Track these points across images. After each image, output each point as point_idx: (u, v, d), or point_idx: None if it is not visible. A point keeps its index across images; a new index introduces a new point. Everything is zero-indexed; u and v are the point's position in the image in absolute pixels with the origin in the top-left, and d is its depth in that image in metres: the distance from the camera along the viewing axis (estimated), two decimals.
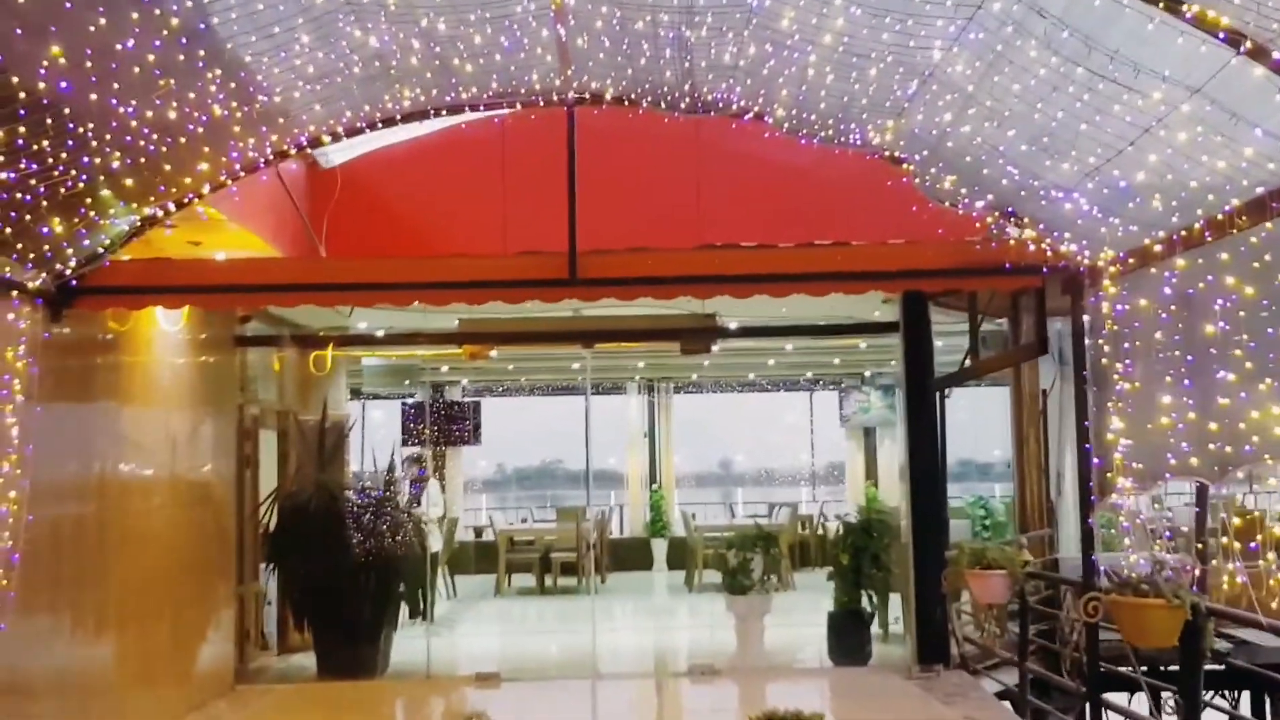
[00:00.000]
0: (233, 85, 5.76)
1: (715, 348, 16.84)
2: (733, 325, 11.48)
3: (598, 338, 11.01)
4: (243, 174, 7.17)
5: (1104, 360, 6.79)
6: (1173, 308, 5.98)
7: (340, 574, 10.84)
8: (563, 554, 17.56)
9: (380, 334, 11.55)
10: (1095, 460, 7.15)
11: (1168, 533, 6.48)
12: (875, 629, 11.44)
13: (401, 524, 11.20)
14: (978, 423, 14.43)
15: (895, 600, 11.86)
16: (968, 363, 11.87)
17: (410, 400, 22.29)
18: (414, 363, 14.07)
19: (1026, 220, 6.77)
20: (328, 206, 10.19)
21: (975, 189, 6.62)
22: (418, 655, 11.62)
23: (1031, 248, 7.28)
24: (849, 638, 10.93)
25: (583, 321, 11.13)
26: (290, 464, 12.37)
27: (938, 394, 11.03)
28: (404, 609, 11.61)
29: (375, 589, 10.88)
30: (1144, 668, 7.58)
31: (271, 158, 7.22)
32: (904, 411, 10.80)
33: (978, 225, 7.58)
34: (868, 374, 22.07)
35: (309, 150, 8.21)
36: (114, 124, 5.51)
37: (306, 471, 11.53)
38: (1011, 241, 7.36)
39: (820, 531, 21.05)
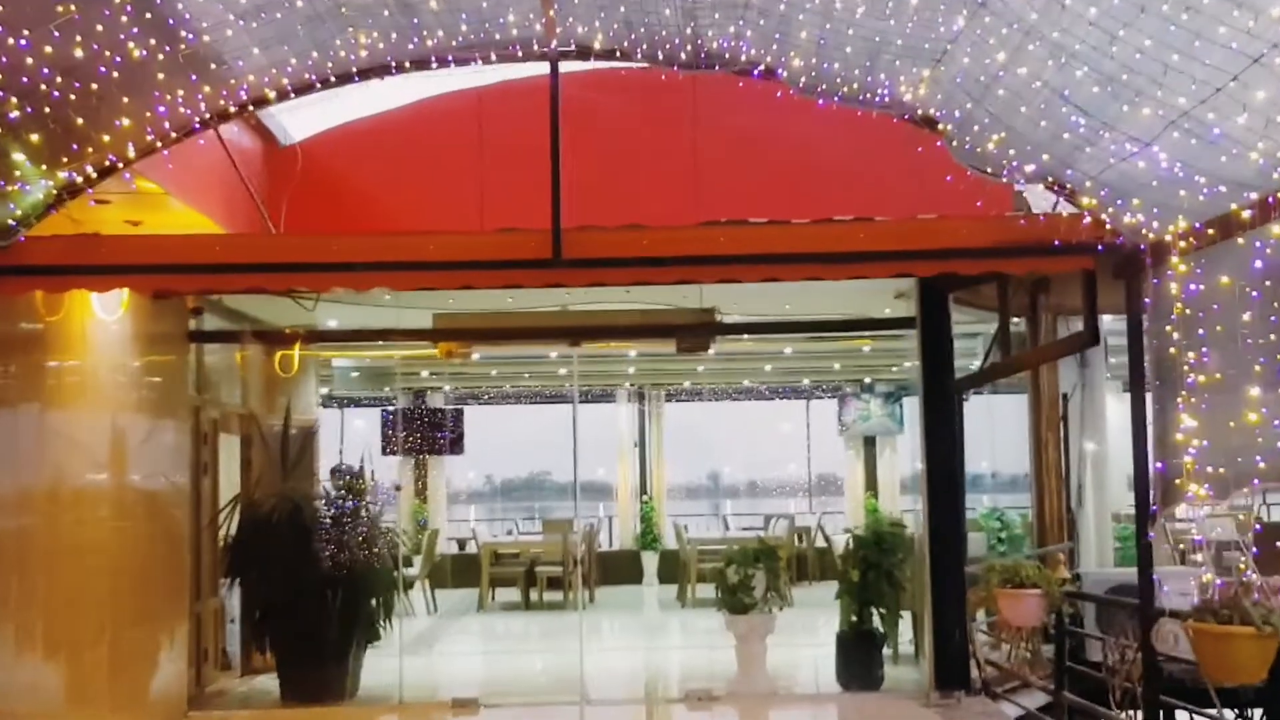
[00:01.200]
0: (148, 16, 4.82)
1: (714, 349, 15.93)
2: (733, 321, 10.56)
3: (586, 335, 10.07)
4: (175, 136, 6.24)
5: (1171, 350, 5.87)
6: (1266, 284, 5.07)
7: (304, 590, 9.90)
8: (549, 568, 16.62)
9: (348, 330, 10.58)
10: (1158, 465, 6.22)
11: (1255, 548, 5.52)
12: (885, 650, 10.50)
13: (372, 536, 10.24)
14: (990, 431, 13.48)
15: (905, 619, 10.96)
16: (984, 364, 11.00)
17: (391, 407, 21.37)
18: (389, 365, 13.11)
19: (1088, 184, 5.81)
20: (287, 187, 9.23)
21: (1027, 149, 5.69)
22: (391, 677, 10.66)
23: (1087, 220, 6.37)
24: (859, 661, 10.00)
25: (569, 317, 10.21)
26: (254, 472, 11.42)
27: (958, 398, 10.13)
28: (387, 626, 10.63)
29: (342, 606, 9.93)
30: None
31: (209, 117, 6.28)
32: (921, 416, 9.88)
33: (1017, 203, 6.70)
34: (868, 381, 21.18)
35: (254, 111, 7.24)
36: (3, 60, 4.57)
37: (269, 480, 10.59)
38: (1063, 214, 6.44)
39: (822, 544, 20.17)
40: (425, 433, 20.95)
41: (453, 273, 6.89)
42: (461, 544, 21.13)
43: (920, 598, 10.26)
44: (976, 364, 10.86)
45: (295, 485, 10.41)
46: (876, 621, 10.11)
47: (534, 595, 16.77)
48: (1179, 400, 5.84)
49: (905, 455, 21.73)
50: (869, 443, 21.69)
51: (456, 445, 21.22)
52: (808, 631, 12.63)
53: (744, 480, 30.11)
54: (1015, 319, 12.43)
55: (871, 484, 21.56)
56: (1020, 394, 13.46)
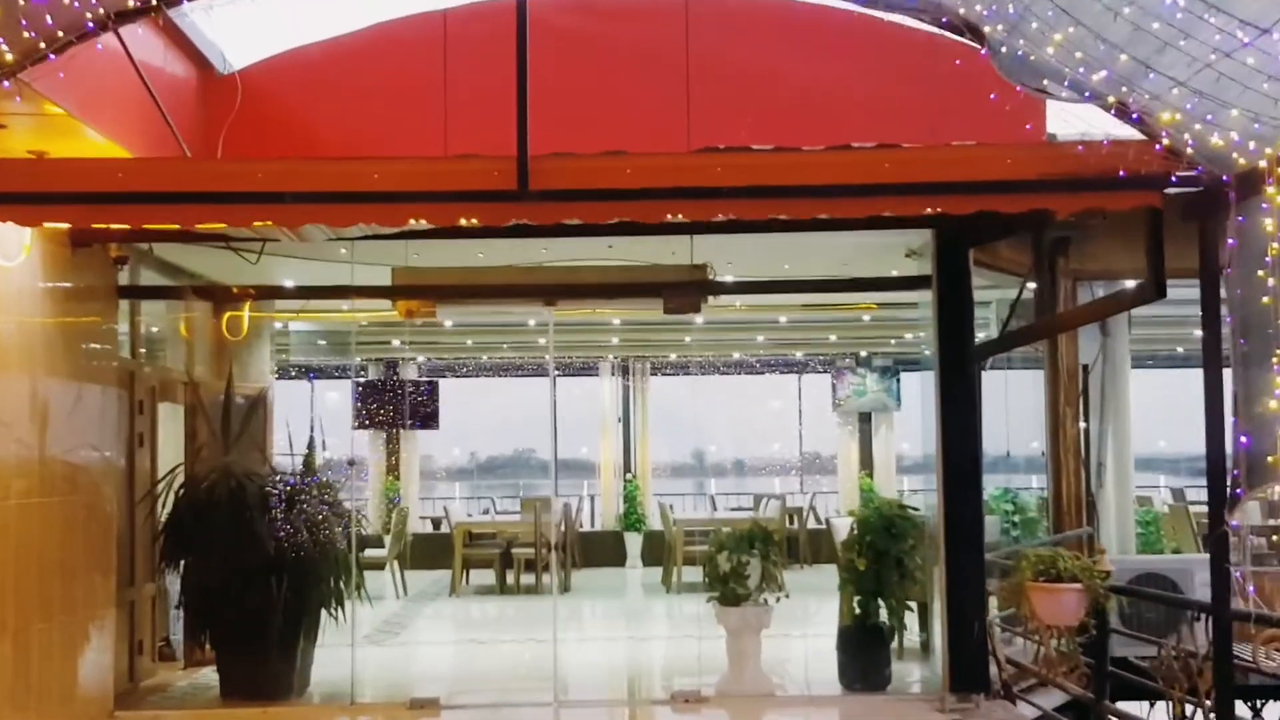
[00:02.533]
0: None
1: (705, 313, 14.84)
2: (728, 281, 9.53)
3: (563, 294, 9.00)
4: (64, 38, 5.14)
5: (1264, 300, 4.84)
6: None
7: (246, 576, 8.85)
8: (526, 549, 15.59)
9: (298, 287, 9.50)
10: (1243, 440, 5.19)
11: None
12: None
13: (324, 517, 9.20)
14: (1000, 408, 12.45)
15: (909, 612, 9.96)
16: (1004, 330, 9.99)
17: (361, 379, 20.32)
18: (349, 328, 12.06)
19: (1174, 93, 4.72)
20: (226, 119, 8.13)
21: (1099, 49, 4.62)
22: (348, 671, 9.65)
23: (1159, 147, 5.33)
24: (865, 658, 9.00)
25: (545, 274, 9.16)
26: (198, 445, 10.34)
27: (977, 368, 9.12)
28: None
29: (289, 595, 8.88)
30: None
31: (105, 17, 5.18)
32: (938, 387, 8.86)
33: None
34: (863, 354, 20.17)
35: (164, 10, 6.13)
36: None
37: (213, 454, 9.53)
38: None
39: (814, 525, 19.21)
40: (397, 406, 19.92)
41: (398, 206, 5.84)
42: (436, 523, 20.14)
43: (931, 589, 9.27)
44: (985, 335, 9.83)
45: (238, 460, 9.32)
46: (885, 616, 9.09)
47: (510, 578, 15.80)
48: (1274, 361, 4.81)
49: (902, 433, 20.77)
50: (864, 419, 20.71)
51: (430, 419, 20.19)
52: (802, 621, 11.68)
53: (731, 458, 29.07)
54: (1029, 285, 11.52)
55: (866, 463, 20.58)
56: (1029, 368, 12.51)
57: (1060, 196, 6.04)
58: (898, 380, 20.27)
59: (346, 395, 20.15)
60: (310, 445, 9.42)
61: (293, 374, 17.08)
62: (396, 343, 17.92)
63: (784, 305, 14.84)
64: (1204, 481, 5.82)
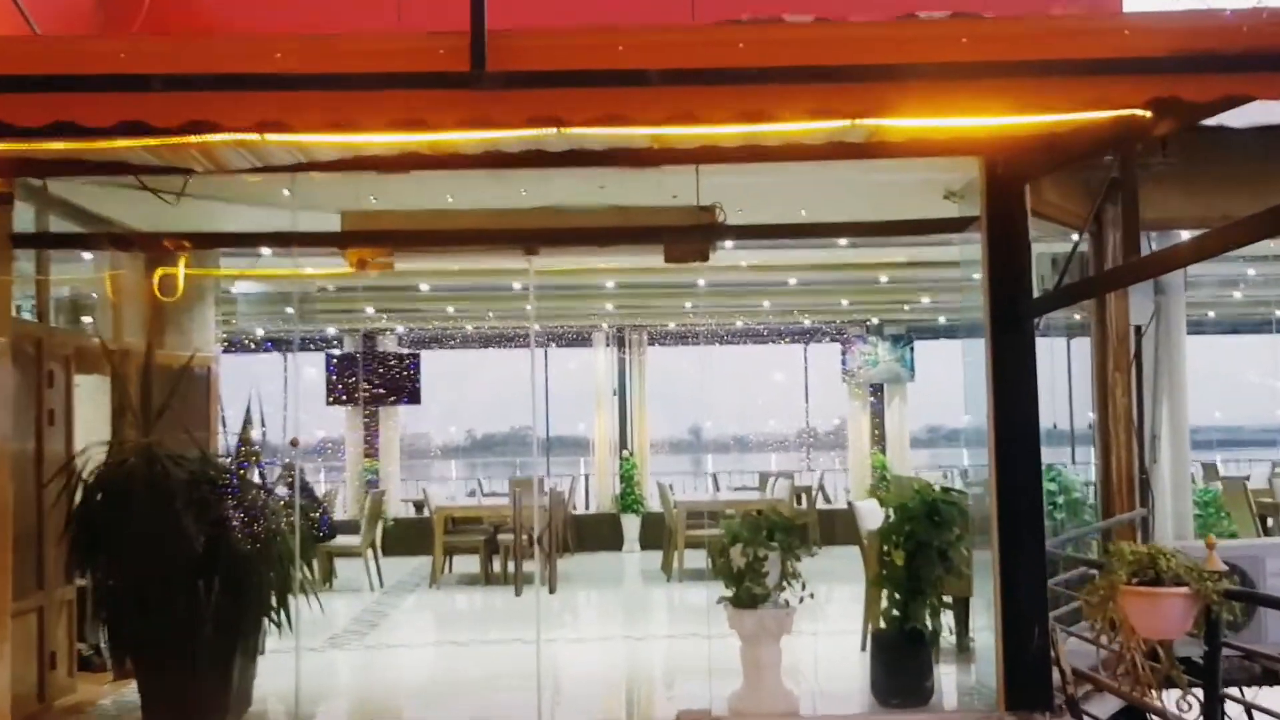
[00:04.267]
0: None
1: (703, 282, 13.51)
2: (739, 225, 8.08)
3: (545, 240, 7.57)
4: None
5: None
6: None
7: (170, 579, 7.46)
8: (512, 536, 14.19)
9: (228, 234, 8.06)
10: None
11: None
12: None
13: (263, 510, 7.80)
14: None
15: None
16: (1059, 284, 8.59)
17: (337, 352, 18.91)
18: (304, 290, 10.64)
19: None
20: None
21: None
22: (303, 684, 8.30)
23: None
24: (903, 669, 7.62)
25: (523, 217, 7.72)
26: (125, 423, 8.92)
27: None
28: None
29: (222, 600, 7.49)
30: None
31: None
32: (989, 348, 7.44)
33: None
34: (875, 322, 18.76)
35: None
36: None
37: (130, 435, 8.13)
38: None
39: (828, 504, 17.89)
40: (375, 380, 18.52)
41: (312, 94, 4.42)
42: (419, 507, 18.79)
43: (980, 587, 7.88)
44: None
45: (164, 440, 7.90)
46: (927, 618, 7.70)
47: (498, 566, 14.44)
48: None
49: (916, 406, 19.41)
50: (876, 392, 19.31)
51: (412, 394, 18.80)
52: (818, 615, 10.25)
53: (734, 434, 27.73)
54: (1075, 235, 10.18)
55: (878, 438, 19.19)
56: (1058, 336, 11.19)
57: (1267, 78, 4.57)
58: (911, 350, 18.89)
59: (322, 370, 18.79)
60: (247, 421, 7.99)
61: (248, 344, 15.55)
62: (370, 310, 16.48)
63: (794, 265, 13.44)
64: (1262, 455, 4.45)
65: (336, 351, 18.88)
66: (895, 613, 7.71)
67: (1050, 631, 7.19)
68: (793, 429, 21.40)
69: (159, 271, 9.46)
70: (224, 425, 8.43)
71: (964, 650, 8.94)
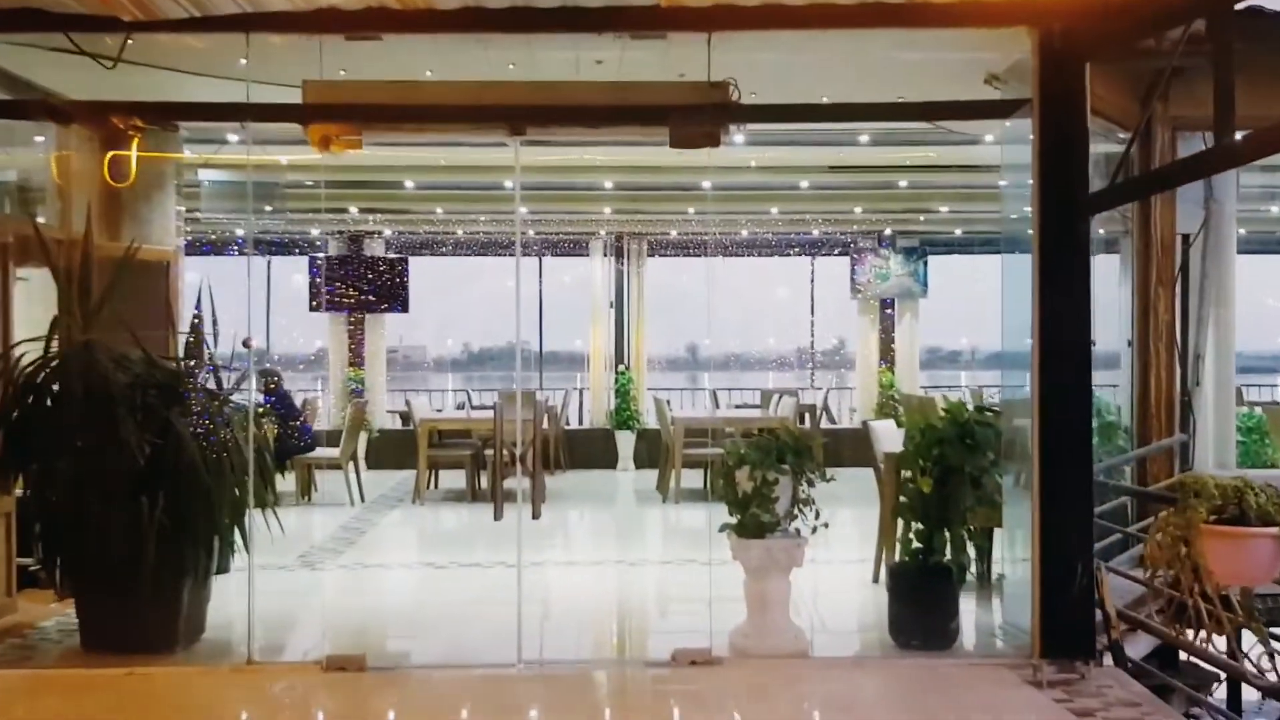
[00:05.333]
0: None
1: (708, 184, 12.51)
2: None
3: (532, 117, 6.64)
4: None
5: None
6: None
7: (108, 494, 6.66)
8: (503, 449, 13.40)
9: (176, 104, 7.12)
10: None
11: None
12: None
13: (214, 418, 6.96)
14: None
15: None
16: (1114, 179, 7.69)
17: (321, 256, 18.00)
18: (273, 181, 9.69)
19: None
20: None
21: None
22: (262, 613, 7.53)
23: None
24: (926, 607, 6.82)
25: (509, 91, 6.78)
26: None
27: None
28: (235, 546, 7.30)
29: (166, 518, 6.68)
30: None
31: None
32: (1037, 252, 6.55)
33: None
34: (887, 233, 17.83)
35: None
36: None
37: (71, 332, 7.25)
38: None
39: (832, 424, 17.13)
40: (360, 286, 17.65)
41: None
42: (405, 417, 17.99)
43: (1010, 517, 7.09)
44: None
45: (106, 340, 7.03)
46: (952, 551, 6.90)
47: (486, 482, 13.66)
48: None
49: (929, 321, 18.57)
50: (886, 307, 18.43)
51: (400, 301, 17.92)
52: (821, 544, 9.47)
53: (735, 350, 26.87)
54: (1121, 136, 9.29)
55: (887, 356, 18.34)
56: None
57: None
58: (925, 263, 17.98)
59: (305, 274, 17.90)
60: (197, 322, 7.12)
61: (221, 243, 14.58)
62: (355, 211, 15.54)
63: (807, 166, 12.56)
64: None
65: (320, 255, 17.96)
66: (917, 544, 6.89)
67: (1095, 570, 6.39)
68: (791, 347, 20.43)
69: (109, 154, 8.56)
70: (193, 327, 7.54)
71: (984, 585, 8.18)
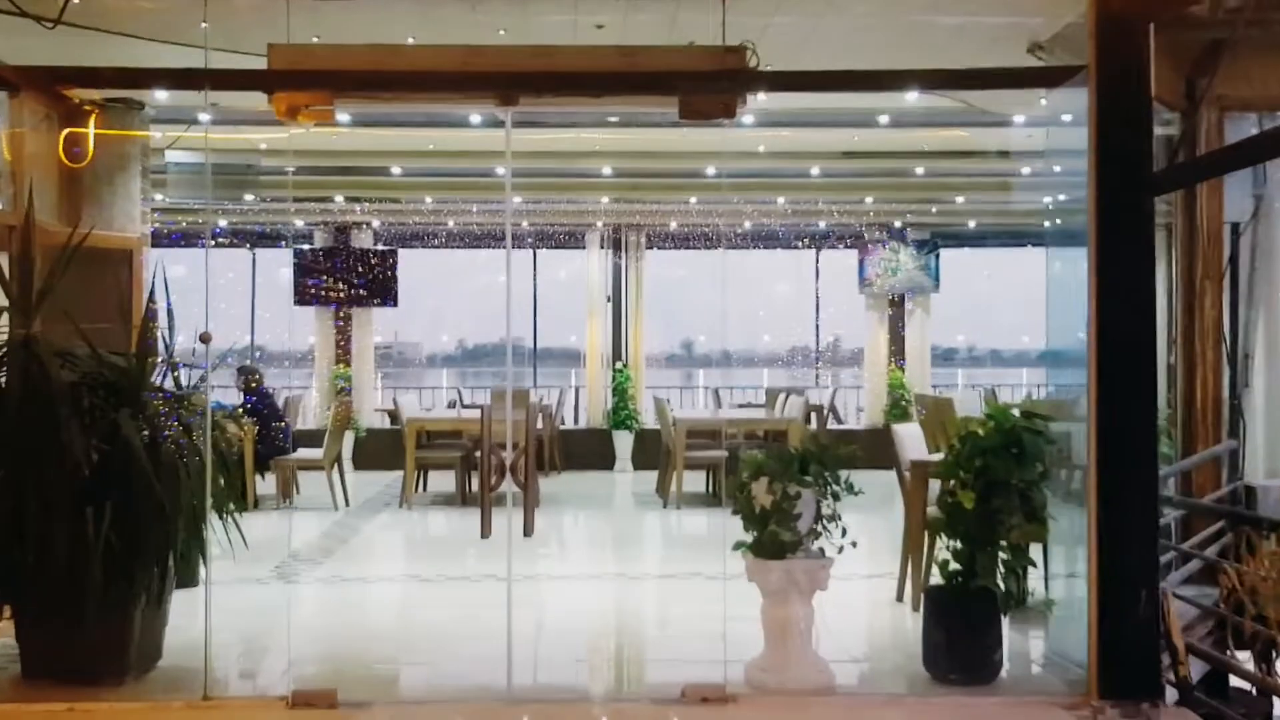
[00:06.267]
0: None
1: (713, 170, 11.74)
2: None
3: (525, 84, 5.89)
4: None
5: None
6: None
7: (50, 506, 5.91)
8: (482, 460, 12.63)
9: (126, 70, 6.36)
10: None
11: None
12: None
13: (169, 420, 6.22)
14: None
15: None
16: (1174, 156, 7.01)
17: (307, 247, 17.26)
18: (248, 164, 8.91)
19: None
20: None
21: None
22: (227, 636, 6.79)
23: None
24: (969, 637, 6.08)
25: (499, 56, 6.04)
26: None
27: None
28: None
29: (114, 534, 5.93)
30: None
31: None
32: (1094, 234, 5.81)
33: None
34: (897, 225, 17.09)
35: None
36: None
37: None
38: None
39: (839, 425, 16.43)
40: (347, 278, 16.90)
41: None
42: (393, 416, 17.26)
43: (1057, 535, 6.36)
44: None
45: (47, 334, 6.29)
46: (998, 575, 6.15)
47: (476, 485, 12.92)
48: None
49: (940, 318, 17.85)
50: (895, 304, 17.69)
51: (388, 295, 17.18)
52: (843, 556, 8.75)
53: (733, 348, 26.17)
54: (1165, 116, 8.65)
55: (897, 353, 17.60)
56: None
57: None
58: (936, 257, 17.24)
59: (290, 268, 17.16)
60: (148, 314, 6.37)
61: (182, 226, 13.76)
62: (340, 200, 14.80)
63: (818, 152, 11.82)
64: None
65: (305, 247, 17.21)
66: (957, 565, 6.16)
67: (1163, 598, 5.66)
68: (804, 342, 19.69)
69: (64, 130, 7.83)
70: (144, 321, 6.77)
71: (1019, 608, 7.40)
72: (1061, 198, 6.68)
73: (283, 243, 17.85)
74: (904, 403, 16.77)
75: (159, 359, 6.44)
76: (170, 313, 6.31)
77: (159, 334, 6.44)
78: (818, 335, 19.36)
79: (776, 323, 21.83)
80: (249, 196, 13.81)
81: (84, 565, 5.89)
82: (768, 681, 5.98)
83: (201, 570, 6.57)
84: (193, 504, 6.23)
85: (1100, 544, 5.76)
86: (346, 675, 6.40)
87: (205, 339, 5.98)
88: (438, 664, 6.83)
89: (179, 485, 6.14)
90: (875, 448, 8.54)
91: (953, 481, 6.12)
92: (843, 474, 6.09)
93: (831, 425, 16.45)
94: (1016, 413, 6.23)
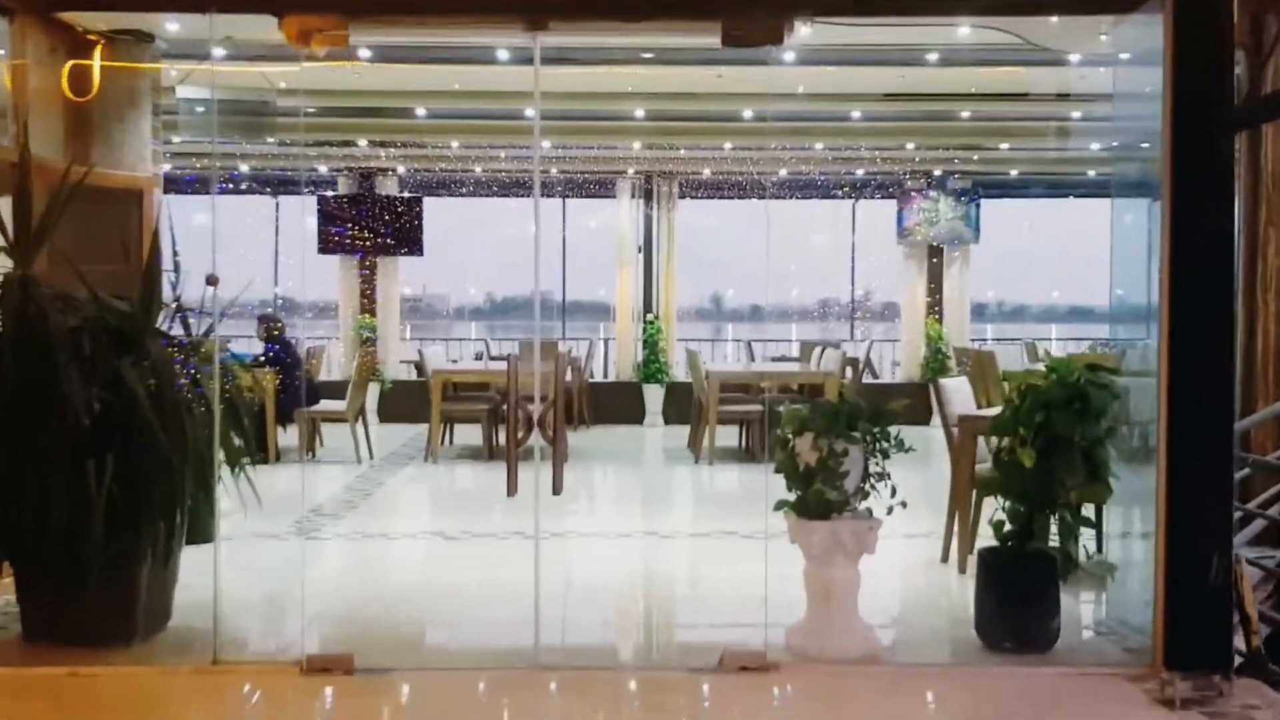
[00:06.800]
0: None
1: (750, 112, 11.25)
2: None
3: (554, 8, 5.46)
4: None
5: None
6: None
7: (48, 459, 5.58)
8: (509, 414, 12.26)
9: None
10: None
11: None
12: None
13: (172, 370, 5.87)
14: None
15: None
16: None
17: (331, 194, 16.90)
18: (264, 100, 8.48)
19: None
20: None
21: None
22: (242, 595, 6.47)
23: None
24: (1025, 603, 5.70)
25: None
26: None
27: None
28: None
29: (117, 488, 5.60)
30: None
31: None
32: (1168, 173, 5.36)
33: None
34: (937, 173, 16.56)
35: None
36: None
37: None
38: None
39: (874, 379, 16.02)
40: (372, 227, 16.53)
41: None
42: (419, 368, 16.94)
43: (1120, 494, 5.96)
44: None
45: (47, 276, 5.94)
46: (1054, 535, 5.75)
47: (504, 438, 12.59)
48: None
49: (979, 270, 17.36)
50: (933, 255, 17.18)
51: (414, 244, 16.81)
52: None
53: (770, 300, 25.67)
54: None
55: (934, 306, 17.11)
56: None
57: None
58: (977, 206, 16.71)
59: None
60: (152, 256, 6.00)
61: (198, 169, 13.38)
62: (364, 144, 14.40)
63: (861, 94, 11.33)
64: None
65: (330, 194, 16.85)
66: (1015, 527, 5.75)
67: (1235, 564, 5.26)
68: (838, 294, 19.18)
69: (67, 63, 7.46)
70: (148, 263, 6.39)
71: (1071, 570, 6.98)
72: (1115, 144, 6.24)
73: (307, 189, 17.49)
74: (942, 356, 16.32)
75: (168, 305, 6.09)
76: (176, 255, 5.94)
77: (166, 278, 6.08)
78: (853, 288, 18.89)
79: (810, 276, 21.31)
80: (270, 140, 13.42)
81: (85, 522, 5.57)
82: (809, 648, 5.62)
83: (223, 524, 6.28)
84: (201, 457, 5.88)
85: (1170, 505, 5.35)
86: (365, 638, 6.08)
87: (212, 281, 5.60)
88: (461, 626, 6.50)
89: (186, 437, 5.79)
90: (913, 403, 8.14)
91: (1009, 438, 5.70)
92: (893, 429, 5.69)
93: (866, 380, 16.00)
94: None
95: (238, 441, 6.31)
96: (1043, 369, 6.21)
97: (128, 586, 5.84)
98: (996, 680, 5.39)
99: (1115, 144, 6.77)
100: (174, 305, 6.11)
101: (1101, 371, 5.71)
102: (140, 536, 5.78)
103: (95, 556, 5.62)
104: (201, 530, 6.28)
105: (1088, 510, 6.18)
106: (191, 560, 6.11)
